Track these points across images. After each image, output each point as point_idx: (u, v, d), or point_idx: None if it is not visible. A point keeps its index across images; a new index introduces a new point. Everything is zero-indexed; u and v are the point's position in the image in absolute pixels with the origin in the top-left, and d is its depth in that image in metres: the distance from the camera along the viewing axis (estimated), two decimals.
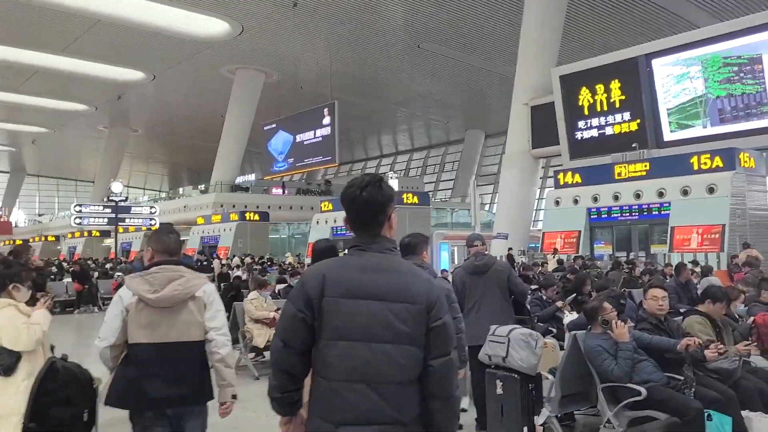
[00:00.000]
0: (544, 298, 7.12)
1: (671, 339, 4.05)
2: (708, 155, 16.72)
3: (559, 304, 6.68)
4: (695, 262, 12.91)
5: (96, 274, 19.05)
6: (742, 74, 17.76)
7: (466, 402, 5.49)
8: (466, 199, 42.16)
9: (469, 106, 42.43)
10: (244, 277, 12.97)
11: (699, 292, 6.94)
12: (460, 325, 4.02)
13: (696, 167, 16.83)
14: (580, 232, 18.98)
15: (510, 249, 19.44)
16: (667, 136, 19.45)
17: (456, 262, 25.96)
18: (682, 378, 3.83)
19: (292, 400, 2.05)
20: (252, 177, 48.33)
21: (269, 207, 36.04)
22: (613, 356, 4.00)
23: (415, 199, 25.82)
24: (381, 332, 1.88)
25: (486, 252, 5.26)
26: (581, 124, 21.54)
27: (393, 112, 43.87)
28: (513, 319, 5.06)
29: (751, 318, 4.34)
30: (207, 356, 3.02)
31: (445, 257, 26.62)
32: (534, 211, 24.05)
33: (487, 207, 40.26)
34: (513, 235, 22.31)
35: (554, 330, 6.36)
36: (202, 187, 43.93)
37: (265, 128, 34.21)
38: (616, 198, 18.38)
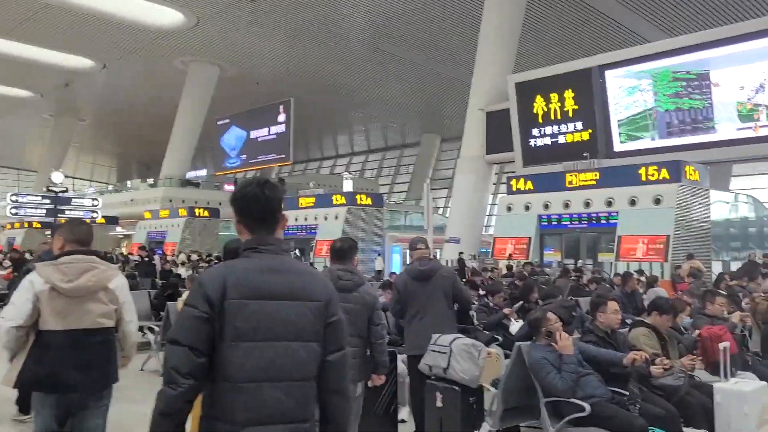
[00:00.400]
0: (491, 305, 6.99)
1: (617, 352, 3.92)
2: (655, 167, 17.03)
3: (506, 311, 6.55)
4: (641, 272, 13.06)
5: None
6: (690, 89, 18.20)
7: (405, 413, 5.29)
8: (421, 202, 42.14)
9: (426, 109, 42.52)
10: (185, 274, 12.47)
11: (645, 302, 6.92)
12: (382, 331, 3.92)
13: (644, 178, 17.12)
14: (530, 238, 19.10)
15: (461, 253, 19.42)
16: (617, 146, 19.79)
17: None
18: (627, 393, 3.71)
19: (185, 417, 1.89)
20: (204, 173, 47.31)
21: (221, 203, 35.21)
22: (557, 369, 3.83)
23: (369, 201, 25.61)
24: (285, 331, 1.91)
25: (431, 256, 5.00)
26: (535, 131, 21.73)
27: (350, 112, 43.60)
28: (456, 328, 4.87)
29: (697, 331, 4.25)
30: (115, 344, 3.23)
31: (396, 259, 26.52)
32: (486, 217, 24.14)
33: (440, 211, 40.37)
34: (465, 240, 22.35)
35: (500, 338, 6.22)
36: (151, 180, 42.70)
37: (219, 123, 33.53)
38: (566, 206, 18.56)
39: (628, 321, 4.94)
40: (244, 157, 32.04)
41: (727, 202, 21.91)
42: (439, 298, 4.82)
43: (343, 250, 3.94)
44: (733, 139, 17.49)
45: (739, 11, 23.42)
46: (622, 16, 25.46)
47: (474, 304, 6.79)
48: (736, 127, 17.38)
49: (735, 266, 18.86)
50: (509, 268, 13.86)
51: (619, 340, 4.08)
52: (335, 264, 3.94)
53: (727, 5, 23.67)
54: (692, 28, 23.62)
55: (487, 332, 6.18)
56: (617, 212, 17.38)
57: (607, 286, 8.11)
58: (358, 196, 25.52)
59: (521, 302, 6.73)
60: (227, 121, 33.12)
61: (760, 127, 16.87)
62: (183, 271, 14.22)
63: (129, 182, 48.70)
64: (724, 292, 8.44)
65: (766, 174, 36.12)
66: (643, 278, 10.97)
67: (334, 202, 25.38)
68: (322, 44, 30.70)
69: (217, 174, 35.80)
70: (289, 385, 1.90)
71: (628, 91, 19.50)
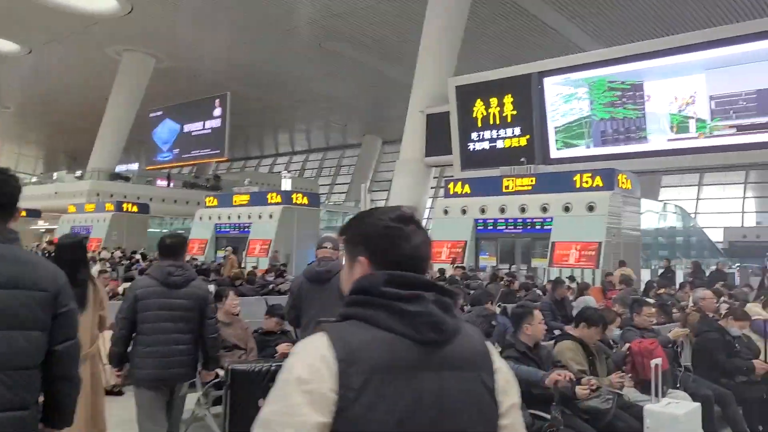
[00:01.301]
0: None
1: (539, 370, 3.56)
2: (590, 174, 17.16)
3: None
4: (572, 278, 13.02)
5: None
6: (624, 99, 18.50)
7: None
8: (360, 203, 41.84)
9: (368, 110, 42.17)
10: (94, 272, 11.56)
11: (574, 310, 6.68)
12: (215, 326, 4.00)
13: (578, 185, 17.22)
14: (466, 242, 18.96)
15: None
16: (554, 153, 19.95)
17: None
18: (548, 418, 3.36)
19: None
20: (135, 166, 45.45)
21: (151, 199, 33.81)
22: None
23: (305, 200, 25.00)
24: (6, 320, 1.89)
25: (335, 257, 4.45)
26: (474, 135, 21.70)
27: (292, 110, 42.75)
28: None
29: (627, 345, 3.95)
30: None
31: None
32: (425, 220, 23.95)
33: None
34: None
35: None
36: (78, 173, 40.66)
37: (151, 116, 32.20)
38: (502, 210, 18.50)
39: (556, 331, 4.66)
40: (177, 151, 30.83)
41: (657, 212, 22.42)
42: (338, 303, 4.30)
43: (174, 246, 3.91)
44: (664, 149, 17.86)
45: (674, 25, 24.07)
46: (561, 25, 25.82)
47: None
48: (667, 138, 17.75)
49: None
50: (441, 272, 13.58)
51: (543, 355, 3.70)
52: (166, 260, 3.87)
53: (661, 18, 24.30)
54: (627, 40, 24.13)
55: None
56: (551, 218, 17.42)
57: (538, 292, 7.89)
58: (294, 195, 24.88)
59: None
60: (160, 113, 31.80)
61: (690, 138, 17.28)
62: (95, 269, 13.25)
63: (54, 174, 46.25)
64: (652, 301, 8.39)
65: (693, 185, 37.54)
66: (574, 285, 10.87)
67: (269, 201, 24.66)
68: (265, 39, 29.87)
69: (148, 168, 34.28)
70: (10, 374, 1.88)
71: (565, 99, 19.68)
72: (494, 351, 1.38)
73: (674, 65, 17.35)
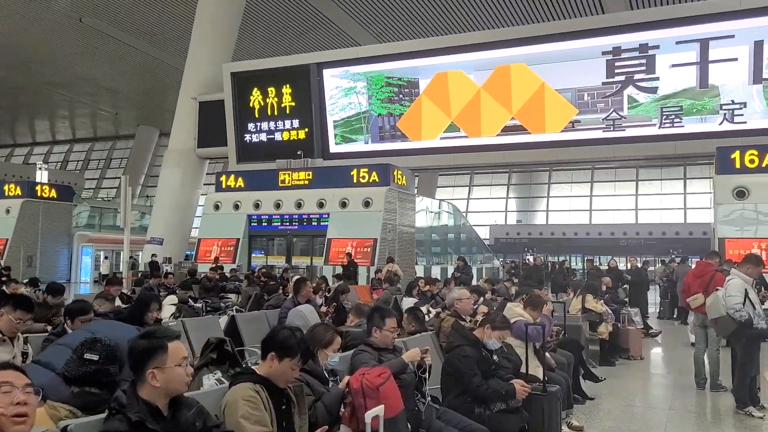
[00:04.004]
0: None
1: None
2: (366, 169, 16.75)
3: None
4: (323, 278, 12.05)
5: None
6: (401, 95, 18.43)
7: None
8: (134, 200, 37.92)
9: (144, 99, 38.38)
10: None
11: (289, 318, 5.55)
12: None
13: (355, 180, 16.72)
14: (238, 239, 17.48)
15: (154, 255, 16.95)
16: (333, 147, 19.29)
17: (101, 270, 22.32)
18: None
19: None
20: None
21: None
22: None
23: (53, 193, 21.46)
24: None
25: None
26: (251, 126, 20.26)
27: (49, 93, 37.26)
28: None
29: (347, 378, 2.63)
30: None
31: (87, 263, 22.69)
32: (196, 216, 21.86)
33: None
34: (170, 241, 19.89)
35: None
36: None
37: None
38: (278, 206, 17.36)
39: None
40: None
41: (432, 210, 22.96)
42: None
43: None
44: (436, 147, 18.08)
45: (452, 24, 24.92)
46: (336, 15, 25.36)
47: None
48: (439, 136, 17.99)
49: (435, 271, 19.66)
50: (192, 273, 12.04)
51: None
52: None
53: (436, 17, 24.96)
54: (404, 36, 24.55)
55: None
56: (328, 214, 16.69)
57: (284, 296, 6.83)
58: (38, 188, 21.28)
59: None
60: None
61: (460, 138, 17.67)
62: None
63: None
64: (414, 300, 7.74)
65: (466, 186, 40.06)
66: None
67: (7, 194, 20.79)
68: (11, 3, 25.13)
69: None
70: None
71: (344, 92, 19.12)
72: None
73: (447, 64, 17.60)
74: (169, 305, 6.03)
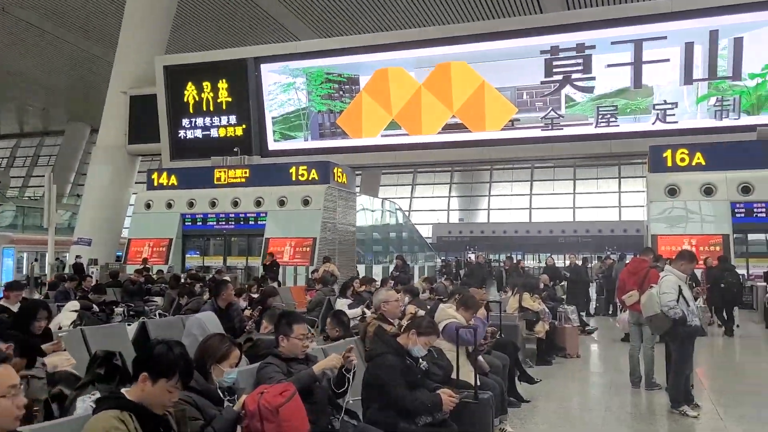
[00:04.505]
0: None
1: None
2: (305, 167, 16.38)
3: None
4: (263, 277, 11.62)
5: None
6: (342, 92, 18.07)
7: None
8: (64, 199, 36.21)
9: (74, 94, 36.55)
10: None
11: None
12: None
13: (294, 178, 16.32)
14: (171, 240, 16.78)
15: (78, 257, 16.07)
16: (272, 145, 18.77)
17: (25, 272, 21.10)
18: None
19: None
20: None
21: None
22: None
23: None
24: None
25: None
26: (185, 122, 19.51)
27: None
28: None
29: (241, 399, 2.33)
30: None
31: (9, 265, 21.40)
32: (127, 216, 20.90)
33: None
34: (98, 241, 18.92)
35: None
36: None
37: None
38: (213, 204, 16.76)
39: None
40: None
41: (372, 209, 22.73)
42: None
43: None
44: (377, 144, 17.80)
45: (392, 20, 24.68)
46: (273, 8, 24.76)
47: None
48: (380, 134, 17.73)
49: (377, 270, 19.44)
50: (113, 276, 11.43)
51: None
52: None
53: (376, 13, 24.67)
54: (344, 32, 24.16)
55: None
56: (266, 213, 16.21)
57: (204, 300, 6.42)
58: None
59: None
60: None
61: (401, 135, 17.45)
62: None
63: None
64: (349, 301, 7.44)
65: (409, 185, 40.05)
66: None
67: None
68: None
69: None
70: None
71: (283, 88, 18.62)
72: None
73: (388, 60, 17.35)
74: (69, 311, 5.53)
